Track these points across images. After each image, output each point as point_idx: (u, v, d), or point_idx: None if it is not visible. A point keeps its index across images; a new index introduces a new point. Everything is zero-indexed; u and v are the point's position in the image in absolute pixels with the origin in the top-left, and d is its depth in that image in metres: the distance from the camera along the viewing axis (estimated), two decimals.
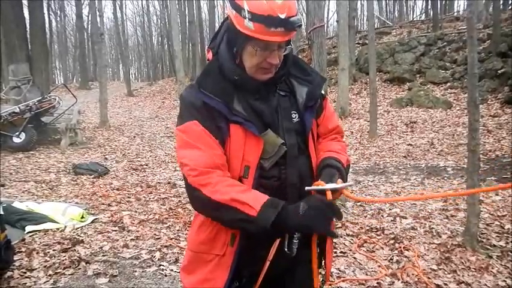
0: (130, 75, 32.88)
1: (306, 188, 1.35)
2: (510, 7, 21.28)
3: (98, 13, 15.30)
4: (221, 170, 1.36)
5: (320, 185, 1.34)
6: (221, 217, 1.37)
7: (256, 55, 1.36)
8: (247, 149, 1.39)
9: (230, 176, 1.38)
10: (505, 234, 4.15)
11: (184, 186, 1.45)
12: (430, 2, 26.61)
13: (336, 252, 3.76)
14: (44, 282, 3.24)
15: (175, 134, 1.45)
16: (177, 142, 1.43)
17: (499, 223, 4.43)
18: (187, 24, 26.49)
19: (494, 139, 9.48)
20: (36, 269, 3.45)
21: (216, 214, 1.37)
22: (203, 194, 1.33)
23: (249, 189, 1.35)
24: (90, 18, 25.47)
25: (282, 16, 1.28)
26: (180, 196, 5.76)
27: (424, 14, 30.85)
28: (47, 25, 23.82)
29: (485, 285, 3.25)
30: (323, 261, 1.62)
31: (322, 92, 1.58)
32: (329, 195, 1.32)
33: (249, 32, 1.31)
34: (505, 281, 3.30)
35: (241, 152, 1.39)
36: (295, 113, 1.48)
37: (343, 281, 3.28)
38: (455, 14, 25.90)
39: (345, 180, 1.44)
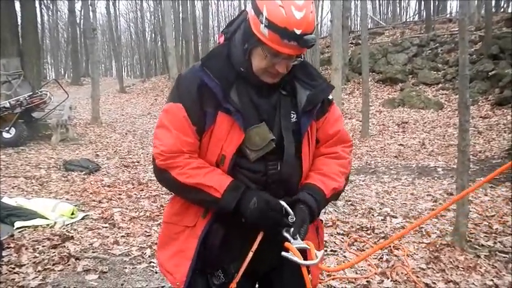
0: (123, 72, 32.68)
1: (283, 254, 1.33)
2: (502, 10, 21.50)
3: (90, 8, 15.21)
4: (187, 154, 1.41)
5: (292, 250, 1.33)
6: (187, 197, 1.45)
7: (265, 60, 1.37)
8: (229, 139, 1.40)
9: (197, 158, 1.43)
10: (493, 234, 4.20)
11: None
12: (423, 3, 26.78)
13: (326, 251, 3.78)
14: (33, 278, 3.21)
15: (162, 110, 1.49)
16: (158, 119, 1.48)
17: (487, 223, 4.48)
18: (180, 21, 26.39)
19: (484, 140, 9.58)
20: (25, 265, 3.42)
21: (182, 194, 1.46)
22: (171, 175, 1.40)
23: (215, 170, 1.41)
24: (82, 14, 25.26)
25: (298, 32, 1.28)
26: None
27: (417, 15, 31.07)
28: (39, 20, 23.58)
29: (473, 284, 3.28)
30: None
31: (330, 97, 1.56)
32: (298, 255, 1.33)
33: (263, 37, 1.32)
34: (492, 280, 3.33)
35: (222, 141, 1.41)
36: (293, 113, 1.48)
37: (333, 279, 3.30)
38: (448, 15, 26.13)
39: (315, 217, 1.45)
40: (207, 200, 1.39)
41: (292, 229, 1.36)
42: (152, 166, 1.47)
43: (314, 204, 1.42)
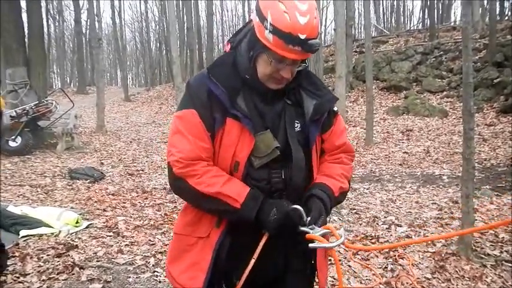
0: (128, 81, 32.84)
1: (310, 246, 1.36)
2: (506, 17, 21.49)
3: (96, 18, 15.35)
4: (205, 161, 1.41)
5: (318, 240, 1.35)
6: (205, 206, 1.43)
7: (270, 65, 1.39)
8: (240, 145, 1.41)
9: (213, 165, 1.43)
10: (499, 243, 4.16)
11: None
12: (427, 11, 26.82)
13: (330, 260, 3.75)
14: None
15: (173, 118, 1.48)
16: (171, 127, 1.47)
17: (493, 232, 4.44)
18: (185, 30, 26.50)
19: (490, 148, 9.53)
20: (29, 273, 3.42)
21: (199, 203, 1.44)
22: (188, 184, 1.38)
23: (232, 179, 1.40)
24: (88, 24, 25.51)
25: (302, 37, 1.29)
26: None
27: (421, 24, 31.06)
28: (45, 29, 23.80)
29: None
30: (316, 272, 1.61)
31: (335, 108, 1.59)
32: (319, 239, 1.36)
33: (267, 43, 1.34)
34: None
35: (233, 147, 1.41)
36: (298, 123, 1.49)
37: None
38: (452, 23, 26.14)
39: (328, 212, 1.47)
40: (226, 210, 1.38)
41: (308, 219, 1.38)
42: (168, 175, 1.46)
43: (327, 199, 1.45)
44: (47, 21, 32.59)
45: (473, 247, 3.94)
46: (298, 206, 1.39)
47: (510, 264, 3.70)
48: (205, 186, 1.37)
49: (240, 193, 1.37)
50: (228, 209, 1.38)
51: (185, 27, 26.08)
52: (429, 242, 4.25)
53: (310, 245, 1.34)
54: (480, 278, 3.47)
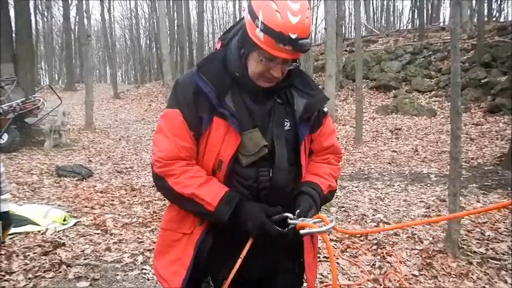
0: (118, 78, 32.65)
1: (302, 232, 1.35)
2: (494, 19, 21.77)
3: (85, 15, 15.17)
4: (185, 161, 1.42)
5: (309, 226, 1.35)
6: (181, 205, 1.45)
7: (261, 64, 1.38)
8: (225, 144, 1.41)
9: (194, 164, 1.44)
10: (486, 241, 4.21)
11: None
12: (416, 12, 27.05)
13: (319, 257, 3.77)
14: (24, 286, 3.18)
15: (160, 116, 1.50)
16: (157, 125, 1.49)
17: (479, 230, 4.50)
18: (175, 28, 26.42)
19: (477, 147, 9.65)
20: (15, 272, 3.38)
21: (177, 202, 1.46)
22: (167, 183, 1.41)
23: (210, 181, 1.41)
24: (77, 20, 25.24)
25: (293, 36, 1.29)
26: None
27: (410, 24, 31.33)
28: (33, 25, 23.53)
29: None
30: (305, 272, 1.61)
31: (325, 109, 1.59)
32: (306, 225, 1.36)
33: (258, 41, 1.33)
34: (484, 287, 3.35)
35: (218, 146, 1.41)
36: (287, 121, 1.49)
37: (325, 286, 3.29)
38: (441, 24, 26.40)
39: (318, 208, 1.47)
40: (200, 211, 1.40)
41: (297, 211, 1.39)
42: (151, 173, 1.48)
43: (316, 196, 1.47)
44: (35, 17, 32.25)
45: (460, 245, 3.98)
46: (284, 214, 1.39)
47: (496, 262, 3.76)
48: (181, 187, 1.38)
49: (215, 196, 1.38)
50: (202, 211, 1.39)
51: (175, 25, 26.00)
52: (417, 240, 4.30)
53: (302, 231, 1.34)
54: (466, 275, 3.51)
